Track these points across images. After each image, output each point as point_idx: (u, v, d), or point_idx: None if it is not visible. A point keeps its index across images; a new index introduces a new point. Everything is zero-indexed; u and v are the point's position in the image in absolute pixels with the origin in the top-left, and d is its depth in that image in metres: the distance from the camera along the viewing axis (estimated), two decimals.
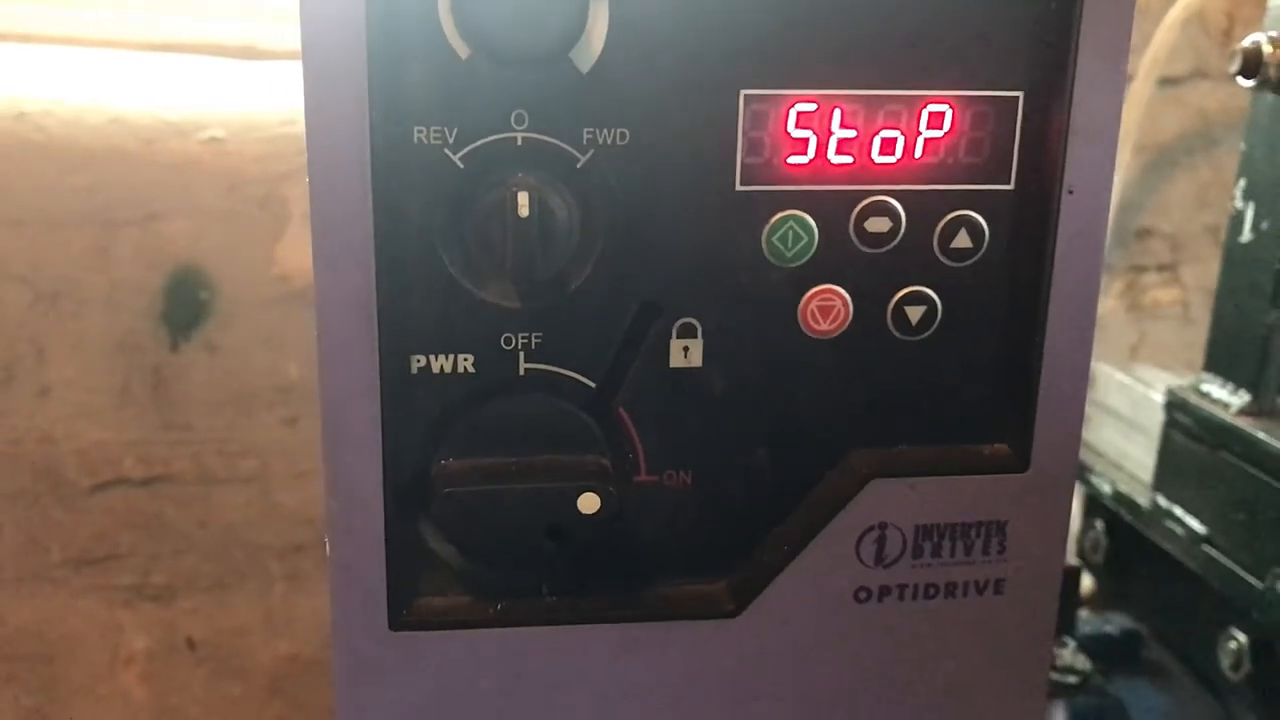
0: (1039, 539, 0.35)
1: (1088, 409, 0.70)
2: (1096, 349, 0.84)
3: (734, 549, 0.35)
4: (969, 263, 0.33)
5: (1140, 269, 0.84)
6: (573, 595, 0.34)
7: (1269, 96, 0.55)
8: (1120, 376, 0.66)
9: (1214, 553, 0.54)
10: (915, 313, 0.34)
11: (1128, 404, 0.65)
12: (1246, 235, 0.56)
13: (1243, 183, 0.56)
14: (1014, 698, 0.36)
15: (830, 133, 0.32)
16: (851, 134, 0.32)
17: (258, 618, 0.80)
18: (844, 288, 0.33)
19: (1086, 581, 0.69)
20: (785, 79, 0.32)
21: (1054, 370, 0.33)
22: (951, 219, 0.33)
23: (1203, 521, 0.56)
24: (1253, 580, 0.51)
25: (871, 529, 0.34)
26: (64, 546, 0.76)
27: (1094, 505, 0.67)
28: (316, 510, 0.78)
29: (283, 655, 0.81)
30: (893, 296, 0.34)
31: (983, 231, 0.33)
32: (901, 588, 0.35)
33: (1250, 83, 0.54)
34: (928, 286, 0.34)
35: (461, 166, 0.31)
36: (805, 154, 0.32)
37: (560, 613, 0.34)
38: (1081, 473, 0.66)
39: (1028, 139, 0.32)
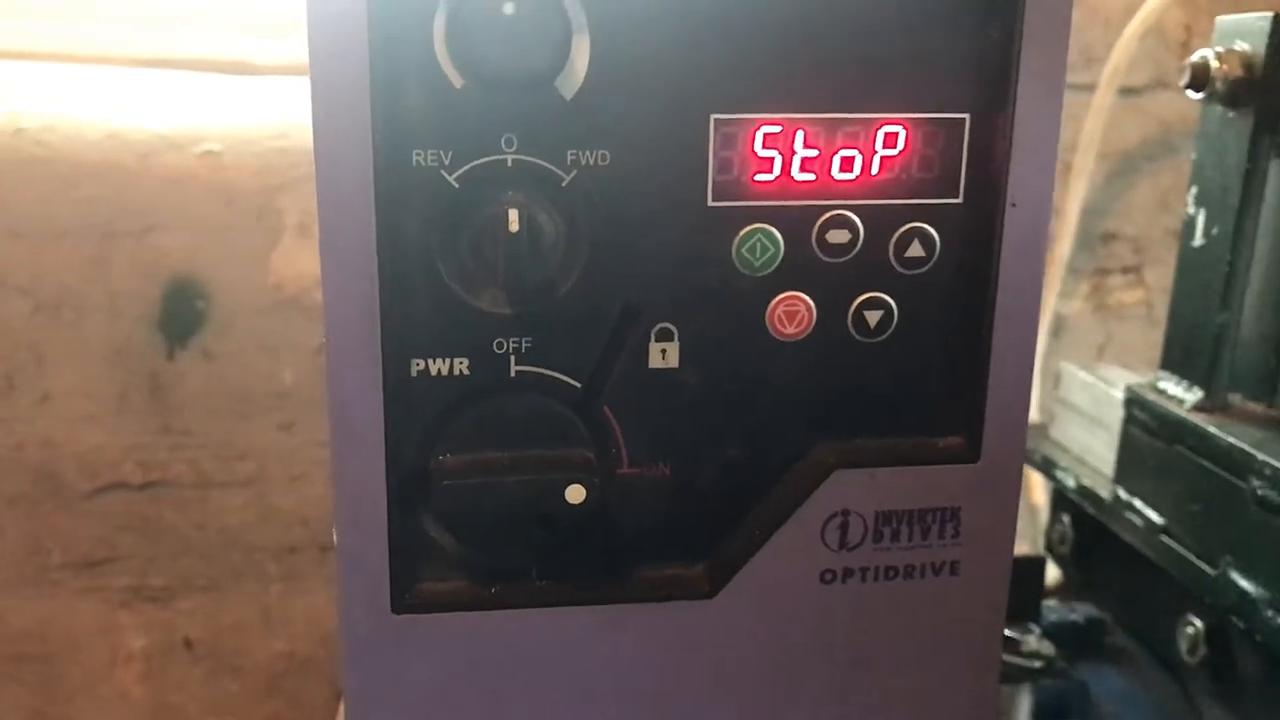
0: (990, 524, 0.37)
1: (1054, 407, 0.73)
2: (1064, 349, 0.87)
3: (710, 535, 0.37)
4: (922, 270, 0.36)
5: (1106, 271, 0.87)
6: (561, 579, 0.36)
7: (1217, 108, 0.57)
8: (1084, 375, 0.68)
9: (1171, 542, 0.56)
10: (874, 317, 0.36)
11: (1090, 402, 0.66)
12: (1198, 240, 0.58)
13: (1194, 190, 0.58)
14: (969, 671, 0.38)
15: (794, 152, 0.34)
16: (814, 153, 0.34)
17: (255, 617, 0.81)
18: (808, 294, 0.36)
19: (1054, 572, 0.71)
20: (752, 104, 0.34)
21: (1001, 368, 0.36)
22: (906, 230, 0.36)
23: (1160, 513, 0.57)
24: (1206, 568, 0.53)
25: (835, 515, 0.37)
26: (64, 549, 0.78)
27: (1060, 500, 0.69)
28: (312, 512, 0.80)
29: (279, 653, 0.82)
30: (853, 302, 0.36)
31: (934, 241, 0.36)
32: (863, 570, 0.37)
33: (1199, 95, 0.56)
34: (885, 292, 0.36)
35: (457, 186, 0.33)
36: (771, 172, 0.34)
37: (550, 595, 0.36)
38: (1047, 468, 0.68)
39: (974, 156, 0.35)
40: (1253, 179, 0.56)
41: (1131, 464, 0.61)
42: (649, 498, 0.37)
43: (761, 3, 0.33)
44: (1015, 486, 0.37)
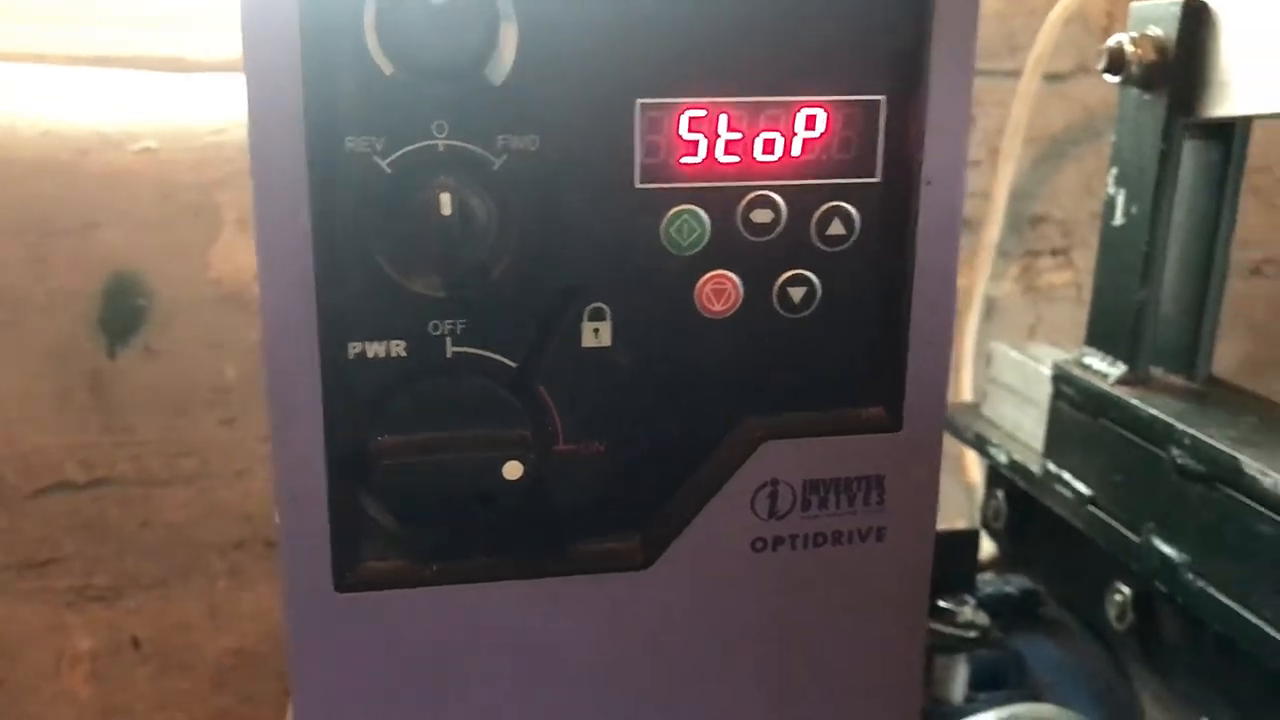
0: (913, 491, 0.39)
1: (986, 386, 0.75)
2: (996, 330, 0.89)
3: (644, 508, 0.38)
4: (843, 248, 0.37)
5: (1035, 253, 0.89)
6: (500, 554, 0.37)
7: (1133, 91, 0.59)
8: (1013, 354, 0.69)
9: (1098, 512, 0.57)
10: (798, 293, 0.37)
11: (1021, 379, 0.68)
12: (1119, 219, 0.60)
13: (1114, 171, 0.60)
14: (897, 635, 0.40)
15: (718, 135, 0.35)
16: (737, 136, 0.36)
17: (201, 614, 0.81)
18: (734, 272, 0.37)
19: (989, 546, 0.73)
20: (677, 89, 0.35)
21: (920, 340, 0.37)
22: (826, 209, 0.37)
23: (1088, 484, 0.59)
24: (1131, 536, 0.55)
25: (765, 485, 0.38)
26: (7, 551, 0.77)
27: (994, 476, 0.70)
28: (256, 507, 0.80)
29: (227, 649, 0.82)
30: (777, 279, 0.37)
31: (854, 220, 0.37)
32: (793, 538, 0.38)
33: (1116, 79, 0.58)
34: (808, 269, 0.37)
35: (389, 172, 0.34)
36: (696, 155, 0.36)
37: (490, 571, 0.37)
38: (981, 445, 0.70)
39: (890, 137, 0.36)
40: (1168, 159, 0.58)
41: (1060, 438, 0.62)
42: (584, 473, 0.38)
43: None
44: (936, 454, 0.39)
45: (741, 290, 0.37)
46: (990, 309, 0.88)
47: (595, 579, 0.38)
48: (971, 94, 0.35)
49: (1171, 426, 0.54)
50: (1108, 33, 0.84)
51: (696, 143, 0.35)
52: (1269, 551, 0.49)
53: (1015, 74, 0.82)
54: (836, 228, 0.37)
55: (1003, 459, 0.67)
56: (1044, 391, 0.64)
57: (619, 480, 0.38)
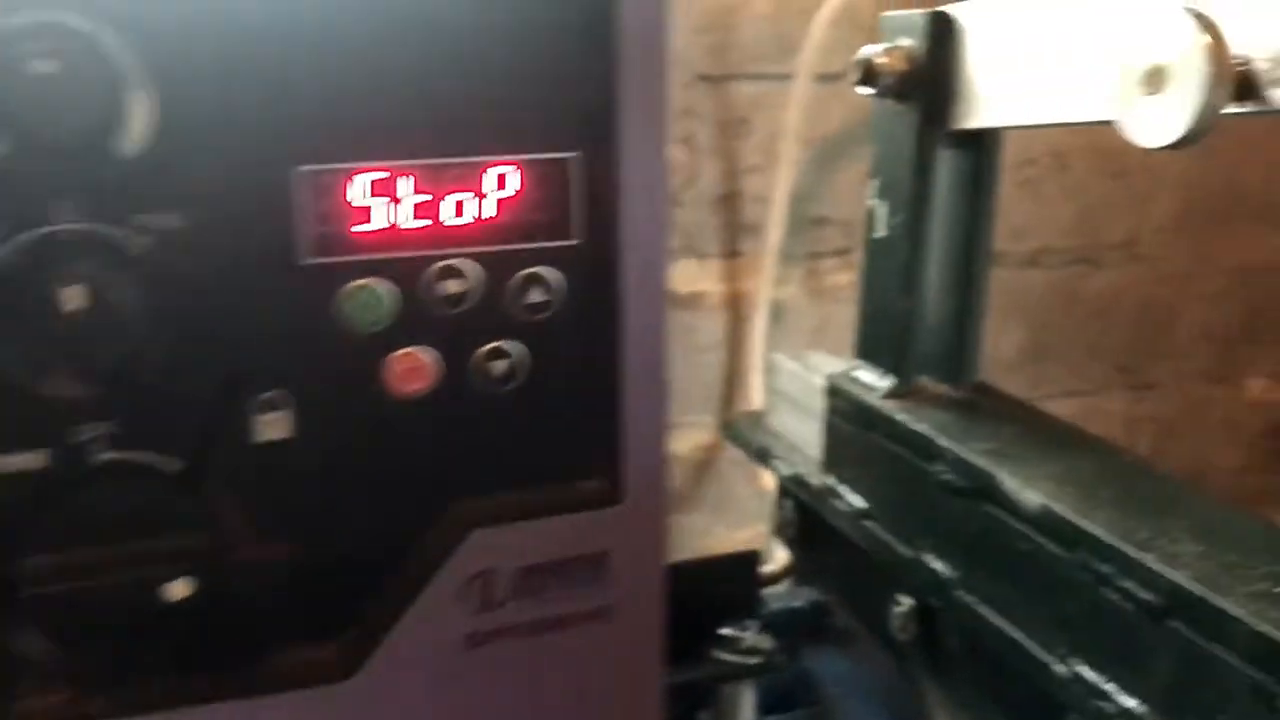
0: (640, 565, 0.36)
1: (769, 397, 0.74)
2: (783, 335, 0.88)
3: (343, 612, 0.35)
4: (545, 315, 0.35)
5: (818, 255, 0.89)
6: (181, 677, 0.34)
7: (887, 103, 0.58)
8: (791, 365, 0.68)
9: (874, 527, 0.57)
10: (499, 367, 0.35)
11: (800, 391, 0.67)
12: (881, 231, 0.59)
13: (875, 182, 0.59)
14: (630, 715, 0.37)
15: (398, 199, 0.32)
16: (422, 199, 0.32)
17: None
18: (427, 348, 0.34)
19: (783, 555, 0.72)
20: (346, 152, 0.32)
21: (634, 406, 0.35)
22: (524, 275, 0.34)
23: (864, 498, 0.58)
24: (905, 550, 0.54)
25: (477, 576, 0.35)
26: None
27: (784, 485, 0.70)
28: None
29: None
30: (475, 353, 0.34)
31: (554, 285, 0.34)
32: (512, 628, 0.36)
33: (870, 91, 0.57)
34: (509, 341, 0.35)
35: (5, 265, 0.30)
36: (373, 222, 0.32)
37: (169, 697, 0.33)
38: (764, 457, 0.69)
39: (586, 196, 0.34)
40: (924, 170, 0.57)
41: (836, 451, 0.62)
42: (272, 580, 0.35)
43: (350, 48, 0.31)
44: (661, 524, 0.36)
45: (437, 367, 0.34)
46: (777, 313, 0.87)
47: (292, 696, 0.35)
48: (667, 149, 0.32)
49: (933, 442, 0.54)
50: (877, 33, 0.84)
51: (370, 209, 0.32)
52: (1030, 568, 0.49)
53: (789, 77, 0.81)
54: (536, 294, 0.34)
55: (786, 471, 0.66)
56: (820, 404, 0.63)
57: (311, 584, 0.35)
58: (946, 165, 0.59)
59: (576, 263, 0.34)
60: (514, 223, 0.34)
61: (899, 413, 0.57)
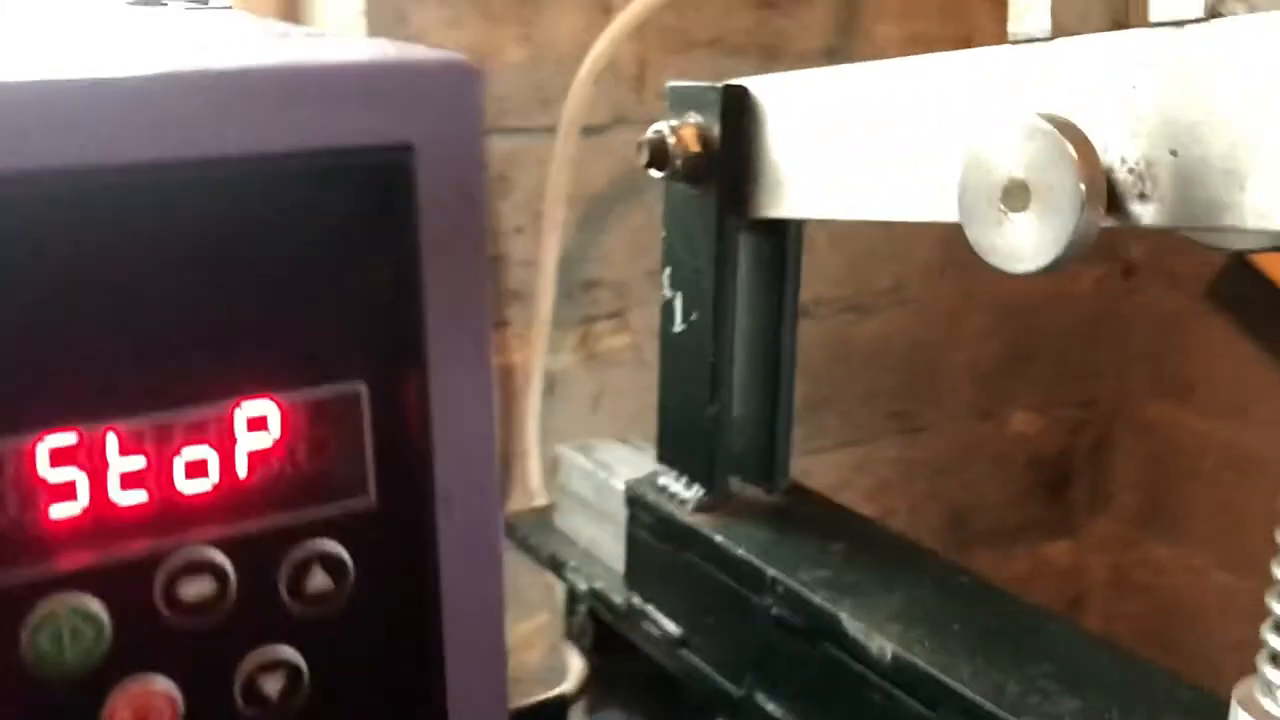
0: None
1: (555, 495, 0.67)
2: (559, 406, 0.82)
3: None
4: (334, 606, 0.25)
5: (591, 319, 0.83)
6: None
7: (679, 187, 0.52)
8: (582, 462, 0.62)
9: (691, 656, 0.52)
10: (273, 685, 0.25)
11: (593, 491, 0.61)
12: (678, 325, 0.54)
13: (668, 271, 0.54)
14: None
15: (107, 466, 0.22)
16: (140, 463, 0.23)
17: None
18: (165, 679, 0.24)
19: (578, 665, 0.66)
20: (24, 412, 0.22)
21: (464, 708, 0.26)
22: (300, 557, 0.25)
23: (678, 623, 0.53)
24: (731, 687, 0.50)
25: None
26: None
27: (575, 593, 0.64)
28: None
29: None
30: (239, 673, 0.25)
31: (344, 564, 0.25)
32: None
33: (661, 174, 0.51)
34: (284, 647, 0.25)
35: None
36: (72, 503, 0.22)
37: None
38: (557, 567, 0.62)
39: (383, 440, 0.25)
40: (724, 260, 0.53)
41: (642, 568, 0.57)
42: None
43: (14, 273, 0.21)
44: None
45: (183, 701, 0.24)
46: (551, 384, 0.80)
47: None
48: (493, 365, 0.24)
49: (762, 573, 0.49)
50: (641, 80, 0.78)
51: (70, 486, 0.22)
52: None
53: (550, 130, 0.74)
54: (319, 581, 0.25)
55: (583, 586, 0.60)
56: (619, 509, 0.58)
57: None
58: (747, 252, 0.54)
59: (375, 530, 0.25)
60: (281, 483, 0.24)
61: (715, 532, 0.52)
